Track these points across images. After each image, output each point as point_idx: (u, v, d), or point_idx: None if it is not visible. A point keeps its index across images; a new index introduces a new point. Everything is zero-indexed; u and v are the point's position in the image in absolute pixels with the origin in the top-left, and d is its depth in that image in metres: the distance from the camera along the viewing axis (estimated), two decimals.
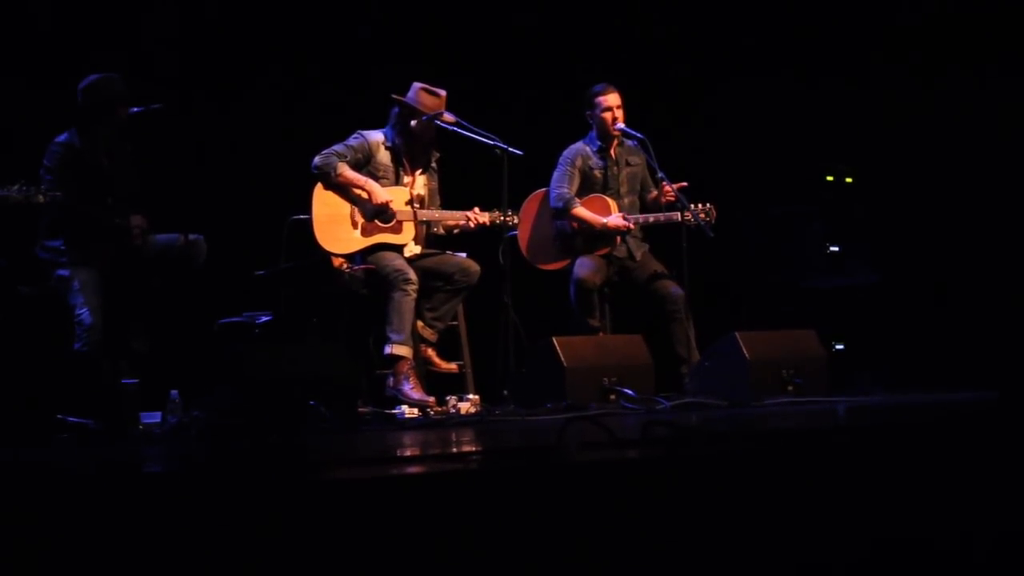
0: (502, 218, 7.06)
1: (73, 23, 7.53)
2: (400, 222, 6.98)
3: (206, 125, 7.62)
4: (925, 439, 3.99)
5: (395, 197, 6.99)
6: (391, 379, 6.77)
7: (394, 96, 7.04)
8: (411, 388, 6.70)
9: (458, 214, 7.07)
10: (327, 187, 6.92)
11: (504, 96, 8.48)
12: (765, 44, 9.03)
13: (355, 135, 7.04)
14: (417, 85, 7.03)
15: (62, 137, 6.45)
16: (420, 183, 7.12)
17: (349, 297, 6.95)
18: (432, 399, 6.74)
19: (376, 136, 7.05)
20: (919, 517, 3.57)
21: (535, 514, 3.18)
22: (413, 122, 7.00)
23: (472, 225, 7.04)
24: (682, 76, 9.09)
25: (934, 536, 3.55)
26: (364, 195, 6.92)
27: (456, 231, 7.12)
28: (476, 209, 7.06)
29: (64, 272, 6.36)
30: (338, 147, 6.97)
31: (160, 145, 6.69)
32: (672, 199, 7.37)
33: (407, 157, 7.08)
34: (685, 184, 7.36)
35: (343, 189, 6.93)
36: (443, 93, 7.03)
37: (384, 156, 7.05)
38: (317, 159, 6.92)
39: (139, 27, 7.63)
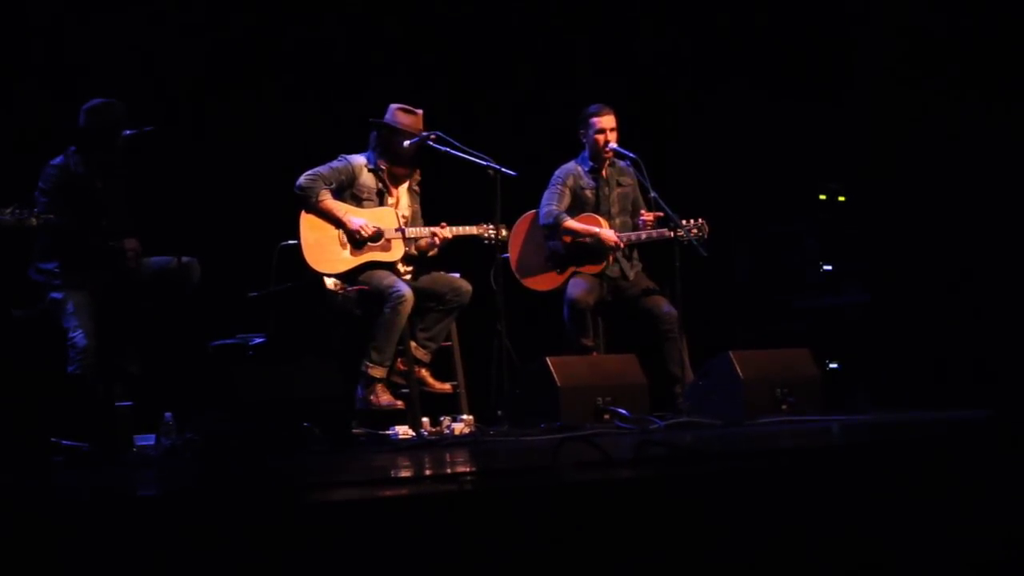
0: (491, 231, 7.08)
1: (65, 45, 7.54)
2: (389, 240, 7.00)
3: (199, 146, 7.62)
4: (918, 457, 3.99)
5: (383, 218, 7.02)
6: (361, 392, 6.79)
7: (373, 120, 7.07)
8: (377, 397, 6.76)
9: (425, 230, 7.09)
10: (307, 210, 6.94)
11: (495, 115, 8.48)
12: (759, 62, 9.05)
13: (339, 158, 7.07)
14: (394, 106, 7.08)
15: (57, 160, 6.46)
16: (404, 204, 7.15)
17: (342, 318, 6.95)
18: (401, 403, 6.78)
19: (359, 159, 7.09)
20: (912, 534, 3.57)
21: (530, 534, 3.18)
22: (405, 143, 7.02)
23: (438, 241, 7.05)
24: (674, 94, 9.10)
25: (926, 553, 3.56)
26: (342, 224, 6.94)
27: (431, 253, 7.12)
28: (443, 224, 7.08)
29: (58, 295, 6.36)
30: (323, 170, 6.99)
31: (153, 167, 6.69)
32: (649, 223, 7.42)
33: (389, 178, 7.11)
34: (660, 215, 7.39)
35: (323, 216, 6.96)
36: (419, 112, 7.08)
37: (368, 178, 7.07)
38: (302, 180, 6.95)
39: (134, 49, 7.64)
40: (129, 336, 6.52)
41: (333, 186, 6.98)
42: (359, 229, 6.92)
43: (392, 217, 7.05)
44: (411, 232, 7.06)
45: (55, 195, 6.37)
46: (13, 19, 7.42)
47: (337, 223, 6.95)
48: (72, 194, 6.40)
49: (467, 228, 7.11)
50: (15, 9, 7.44)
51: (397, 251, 7.03)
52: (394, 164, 7.08)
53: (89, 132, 6.47)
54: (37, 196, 6.38)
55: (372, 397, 6.78)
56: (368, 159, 7.10)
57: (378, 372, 6.80)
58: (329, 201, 6.96)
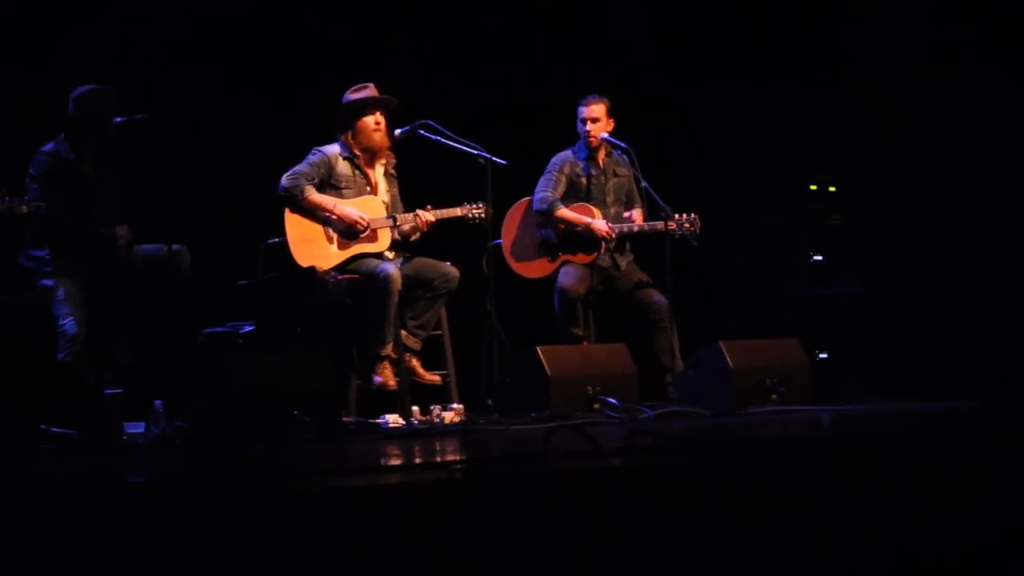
0: (475, 211, 7.08)
1: (54, 34, 7.52)
2: (375, 230, 7.00)
3: (190, 134, 7.60)
4: (909, 447, 4.00)
5: (368, 207, 7.02)
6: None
7: (334, 114, 7.07)
8: (378, 373, 6.82)
9: (409, 215, 7.08)
10: (294, 210, 6.94)
11: (491, 105, 8.48)
12: (749, 54, 9.04)
13: (313, 152, 7.06)
14: (346, 93, 7.09)
15: (48, 147, 6.45)
16: (383, 189, 7.15)
17: (333, 307, 6.94)
18: (393, 383, 6.81)
19: (333, 149, 7.09)
20: (902, 524, 3.58)
21: (519, 523, 3.18)
22: (397, 132, 7.04)
23: (420, 224, 7.05)
24: (666, 86, 9.10)
25: (917, 542, 3.56)
26: (333, 217, 6.93)
27: (414, 237, 7.12)
28: (428, 207, 7.07)
29: (48, 282, 6.34)
30: (303, 168, 6.99)
31: (143, 155, 6.67)
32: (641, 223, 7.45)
33: (365, 164, 7.11)
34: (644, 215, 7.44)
35: (310, 212, 6.95)
36: (370, 84, 7.11)
37: (343, 167, 7.08)
38: (285, 181, 6.95)
39: (125, 35, 7.62)
40: (120, 324, 6.51)
41: (315, 181, 6.98)
42: (357, 221, 6.91)
43: (379, 206, 7.05)
44: (400, 220, 7.06)
45: (46, 181, 6.36)
46: (4, 6, 7.40)
47: (326, 217, 6.94)
48: (63, 180, 6.39)
49: (450, 210, 7.11)
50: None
51: (384, 241, 7.03)
52: (367, 148, 7.07)
53: (78, 119, 6.45)
54: (28, 183, 6.37)
55: (374, 374, 6.81)
56: (341, 148, 7.09)
57: (384, 349, 6.81)
58: (315, 195, 6.96)
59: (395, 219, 7.03)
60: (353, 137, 7.07)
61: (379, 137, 7.07)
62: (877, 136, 8.66)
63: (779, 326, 7.91)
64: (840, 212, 8.66)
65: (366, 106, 7.06)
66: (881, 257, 8.55)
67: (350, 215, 6.93)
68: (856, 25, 8.93)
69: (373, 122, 7.05)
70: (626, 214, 7.58)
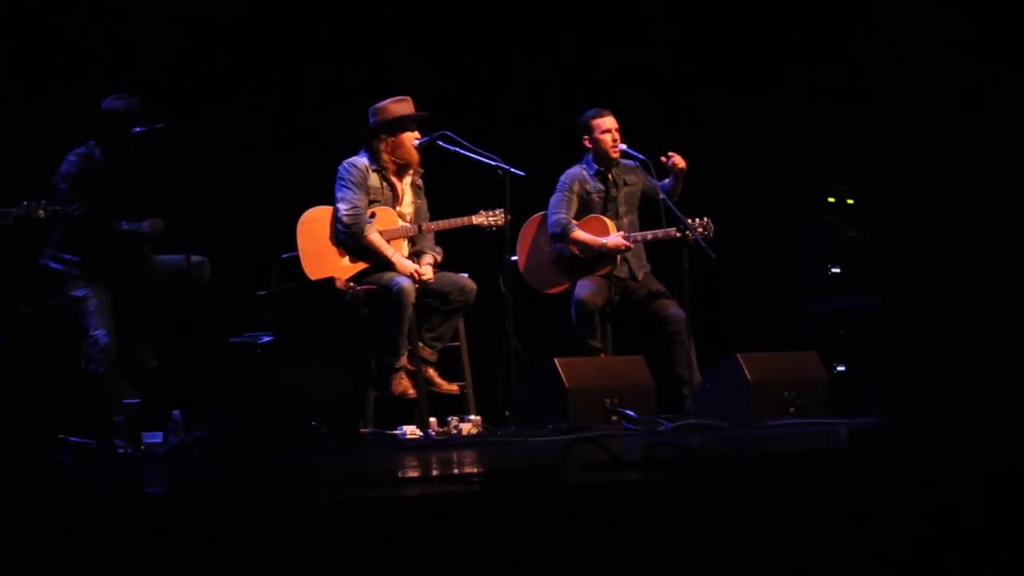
0: (491, 218, 7.07)
1: (71, 42, 7.55)
2: (389, 240, 7.00)
3: (208, 144, 7.62)
4: (922, 461, 3.98)
5: (384, 217, 7.01)
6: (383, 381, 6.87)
7: (375, 122, 7.05)
8: (397, 384, 6.82)
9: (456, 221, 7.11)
10: (354, 245, 6.95)
11: (501, 116, 8.48)
12: (767, 64, 9.03)
13: (346, 169, 7.02)
14: (382, 104, 7.07)
15: (79, 150, 6.45)
16: (408, 201, 7.15)
17: (351, 317, 6.94)
18: (413, 391, 6.81)
19: (363, 161, 7.07)
20: (920, 537, 3.57)
21: (537, 535, 3.18)
22: (416, 142, 7.03)
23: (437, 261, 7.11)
24: (682, 97, 9.09)
25: (935, 555, 3.55)
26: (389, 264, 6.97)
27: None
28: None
29: (78, 292, 6.31)
30: (356, 197, 6.97)
31: (163, 164, 6.69)
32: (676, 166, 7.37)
33: (393, 175, 7.10)
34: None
35: (368, 251, 6.97)
36: (408, 98, 7.10)
37: (374, 179, 7.07)
38: (347, 217, 6.94)
39: (139, 39, 7.64)
40: (143, 329, 6.51)
41: (372, 210, 6.99)
42: (413, 274, 6.91)
43: (392, 217, 7.05)
44: (428, 227, 7.07)
45: (78, 182, 6.35)
46: (23, 19, 7.43)
47: (385, 262, 6.95)
48: (95, 182, 6.40)
49: (462, 220, 7.11)
50: (26, 10, 7.45)
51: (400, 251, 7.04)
52: (397, 159, 7.07)
53: (108, 127, 6.45)
54: (57, 183, 6.36)
55: (392, 385, 6.81)
56: (368, 159, 7.08)
57: (399, 362, 6.82)
58: (375, 237, 6.95)
59: (421, 227, 7.05)
60: (390, 150, 7.06)
61: (415, 153, 7.08)
62: (898, 147, 8.63)
63: (797, 338, 7.89)
64: (859, 224, 8.63)
65: (410, 121, 7.05)
66: (900, 269, 8.52)
67: (408, 268, 6.93)
68: (877, 33, 8.91)
69: (412, 138, 7.06)
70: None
